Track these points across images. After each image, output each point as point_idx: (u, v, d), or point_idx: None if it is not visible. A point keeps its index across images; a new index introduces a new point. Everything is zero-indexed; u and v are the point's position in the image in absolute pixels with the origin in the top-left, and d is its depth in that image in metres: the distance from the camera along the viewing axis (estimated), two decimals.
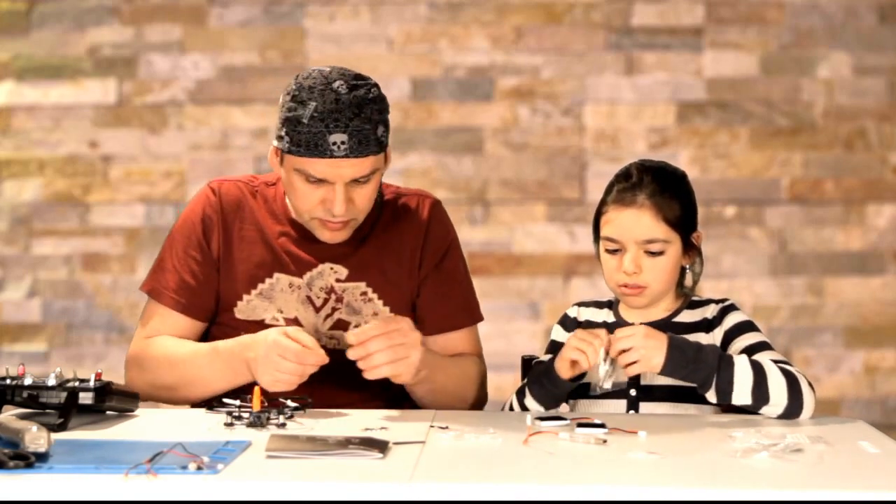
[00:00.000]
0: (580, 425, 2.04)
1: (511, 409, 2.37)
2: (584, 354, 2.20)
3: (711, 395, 2.18)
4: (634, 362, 2.17)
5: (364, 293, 2.43)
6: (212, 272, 2.44)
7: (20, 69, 4.68)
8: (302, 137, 2.26)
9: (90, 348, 4.66)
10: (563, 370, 2.25)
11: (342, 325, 2.42)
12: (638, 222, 2.30)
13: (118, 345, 4.53)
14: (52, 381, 2.08)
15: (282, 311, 2.42)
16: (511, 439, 1.97)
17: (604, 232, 2.35)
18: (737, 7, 4.62)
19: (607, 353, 2.18)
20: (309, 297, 2.42)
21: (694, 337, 2.35)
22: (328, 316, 2.42)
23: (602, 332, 2.22)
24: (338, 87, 2.27)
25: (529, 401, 2.33)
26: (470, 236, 4.63)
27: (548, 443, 1.95)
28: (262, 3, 4.66)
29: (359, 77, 2.32)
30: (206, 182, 2.56)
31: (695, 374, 2.17)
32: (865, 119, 4.61)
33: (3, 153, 4.69)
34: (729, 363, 2.17)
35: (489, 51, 4.64)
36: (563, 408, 2.40)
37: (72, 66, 4.67)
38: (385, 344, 2.18)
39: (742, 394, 2.16)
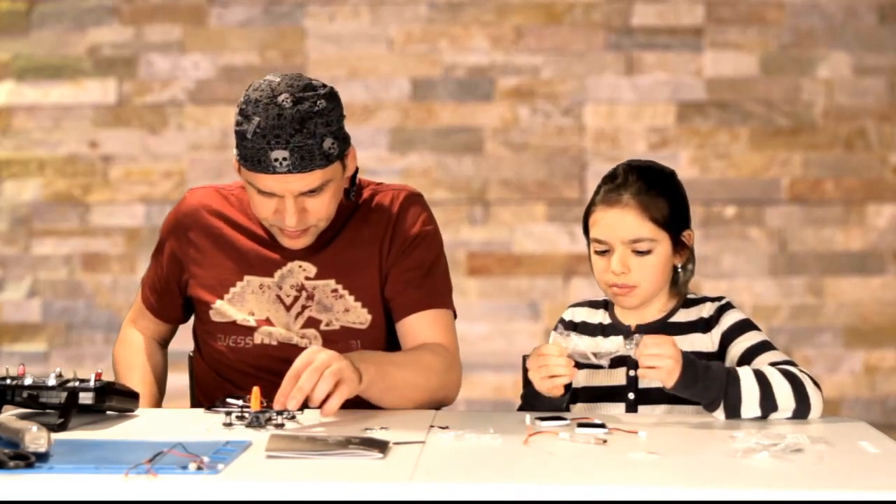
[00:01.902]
0: (580, 425, 2.04)
1: None
2: (538, 372, 2.18)
3: (720, 413, 2.16)
4: (659, 368, 2.13)
5: (335, 290, 2.43)
6: (173, 284, 2.53)
7: (20, 69, 4.68)
8: (247, 152, 2.26)
9: (90, 348, 4.66)
10: (553, 393, 2.22)
11: (313, 323, 2.42)
12: (623, 221, 2.30)
13: None
14: (52, 381, 2.08)
15: (253, 313, 2.43)
16: (511, 439, 1.97)
17: (591, 233, 2.35)
18: (737, 7, 4.62)
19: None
20: (279, 297, 2.43)
21: (690, 337, 2.35)
22: (299, 314, 2.43)
23: (549, 347, 2.19)
24: (282, 101, 2.24)
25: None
26: (470, 236, 4.63)
27: (548, 443, 1.95)
28: (262, 3, 4.66)
29: (308, 88, 2.27)
30: (203, 183, 2.60)
31: (703, 393, 2.15)
32: (865, 119, 4.61)
33: (3, 153, 4.69)
34: (735, 380, 2.15)
35: (489, 51, 4.64)
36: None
37: (72, 66, 4.67)
38: (315, 375, 2.07)
39: (750, 408, 2.15)
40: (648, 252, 2.31)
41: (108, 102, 4.68)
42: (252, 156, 2.25)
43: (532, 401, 2.30)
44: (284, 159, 2.23)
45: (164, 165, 4.67)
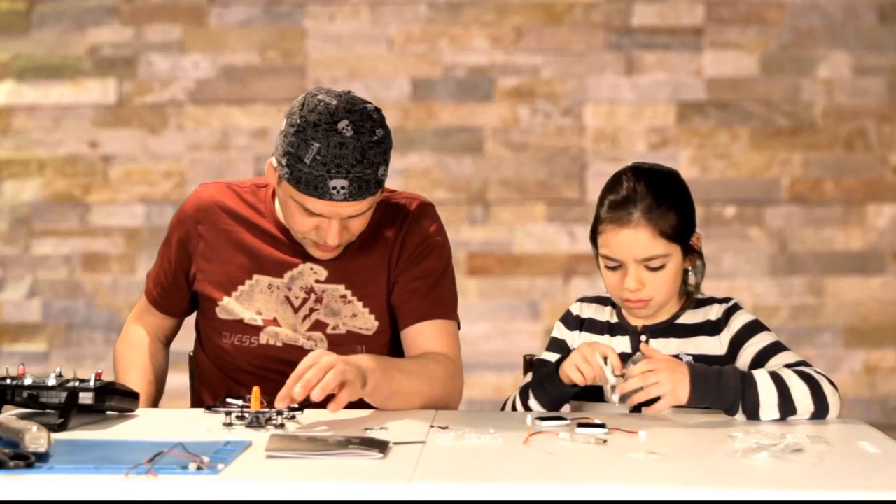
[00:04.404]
0: (580, 425, 2.03)
1: (514, 408, 2.36)
2: (582, 372, 2.19)
3: (739, 417, 2.17)
4: (660, 398, 2.13)
5: (343, 295, 2.43)
6: (180, 276, 2.52)
7: (20, 69, 4.68)
8: (302, 176, 2.25)
9: (90, 348, 4.66)
10: (565, 377, 2.24)
11: (320, 326, 2.42)
12: (635, 241, 2.27)
13: None
14: (52, 381, 2.08)
15: (261, 313, 2.44)
16: (511, 439, 1.97)
17: (602, 250, 2.32)
18: (737, 7, 4.62)
19: (614, 369, 2.17)
20: (288, 298, 2.43)
21: (697, 339, 2.35)
22: (306, 317, 2.43)
23: (608, 349, 2.20)
24: (343, 129, 2.24)
25: (533, 402, 2.33)
26: (470, 236, 4.63)
27: (548, 443, 1.95)
28: (262, 3, 4.66)
29: (365, 115, 2.27)
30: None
31: (720, 401, 2.16)
32: (865, 119, 4.62)
33: (3, 153, 4.69)
34: (751, 383, 2.15)
35: (489, 51, 4.64)
36: (565, 408, 2.40)
37: (72, 66, 4.67)
38: (321, 373, 2.09)
39: (769, 410, 2.15)
40: (662, 267, 2.30)
41: (108, 102, 4.68)
42: (309, 181, 2.25)
43: (543, 379, 2.30)
44: (343, 188, 2.24)
45: (164, 165, 4.67)
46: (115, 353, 2.60)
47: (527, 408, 2.33)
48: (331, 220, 2.29)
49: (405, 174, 4.61)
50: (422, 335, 2.43)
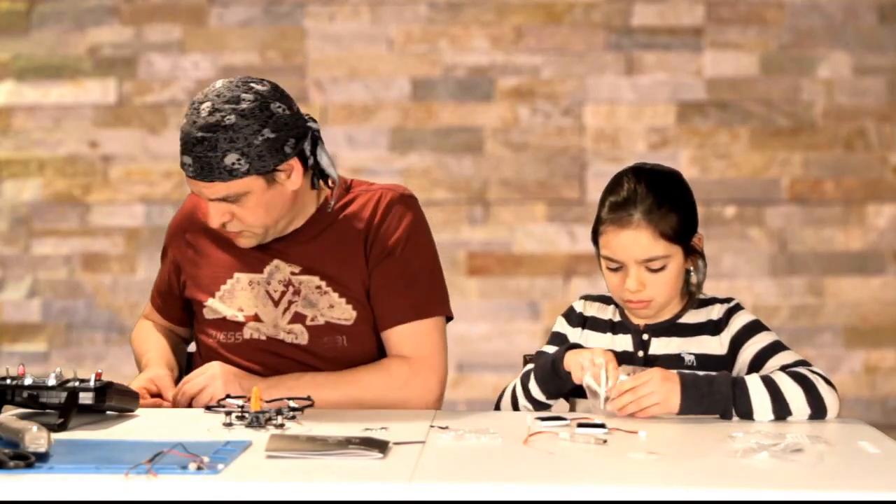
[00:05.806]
0: (580, 425, 2.04)
1: (513, 394, 2.36)
2: (581, 371, 2.20)
3: (736, 420, 2.17)
4: (655, 404, 2.15)
5: (319, 286, 2.44)
6: (175, 285, 2.58)
7: (20, 69, 4.68)
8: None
9: (90, 348, 4.66)
10: (568, 367, 2.25)
11: (300, 318, 2.44)
12: (636, 243, 2.27)
13: (118, 345, 4.53)
14: (52, 381, 2.08)
15: (242, 310, 2.46)
16: (511, 439, 1.97)
17: (603, 251, 2.33)
18: (737, 7, 4.62)
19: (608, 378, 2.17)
20: (268, 292, 2.46)
21: (699, 339, 2.35)
22: (286, 310, 2.44)
23: (610, 362, 2.20)
24: (202, 109, 2.28)
25: (533, 385, 2.32)
26: (470, 236, 4.63)
27: (548, 443, 1.95)
28: (262, 3, 4.66)
29: (232, 100, 2.28)
30: None
31: (712, 407, 2.16)
32: (865, 119, 4.61)
33: (3, 153, 4.69)
34: (743, 388, 2.16)
35: (489, 51, 4.64)
36: (563, 406, 2.40)
37: (72, 66, 4.67)
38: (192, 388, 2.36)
39: (763, 414, 2.16)
40: (663, 268, 2.30)
41: (108, 102, 4.68)
42: (179, 155, 2.33)
43: (546, 364, 2.30)
44: (189, 165, 2.30)
45: (164, 165, 4.67)
46: (132, 339, 2.67)
47: (526, 391, 2.33)
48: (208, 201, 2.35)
49: (405, 174, 4.61)
50: (395, 339, 2.44)
